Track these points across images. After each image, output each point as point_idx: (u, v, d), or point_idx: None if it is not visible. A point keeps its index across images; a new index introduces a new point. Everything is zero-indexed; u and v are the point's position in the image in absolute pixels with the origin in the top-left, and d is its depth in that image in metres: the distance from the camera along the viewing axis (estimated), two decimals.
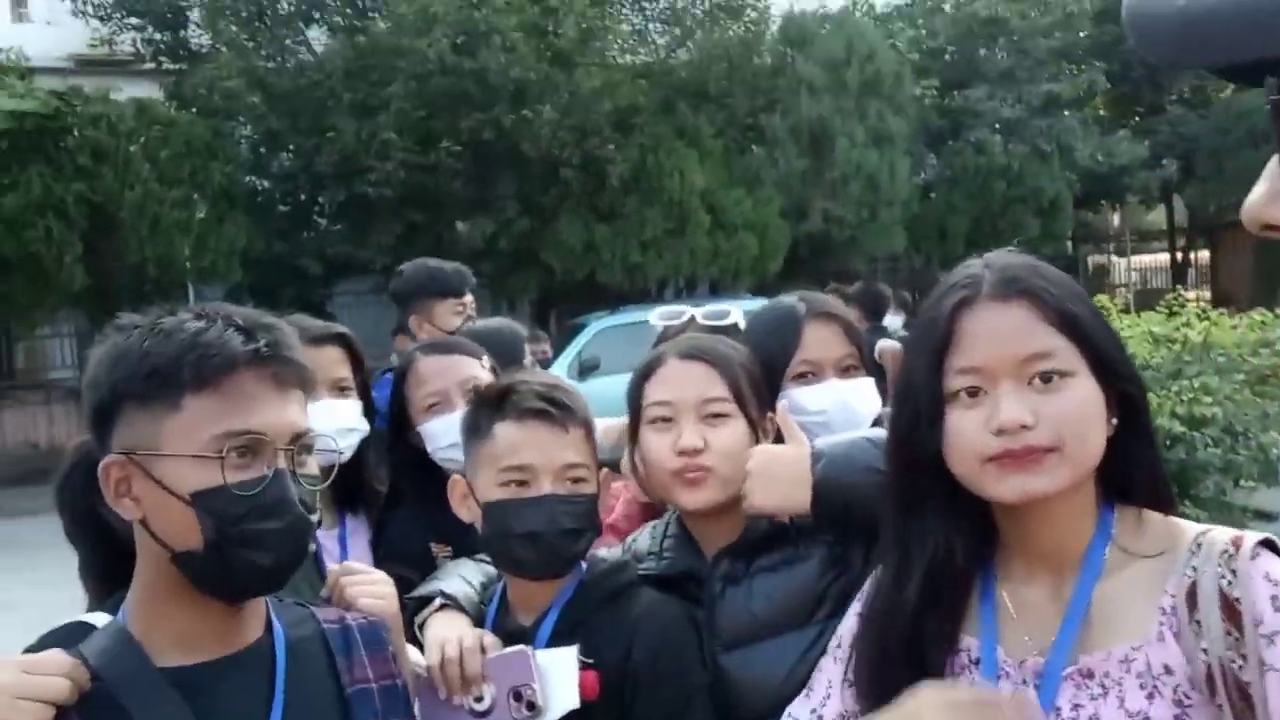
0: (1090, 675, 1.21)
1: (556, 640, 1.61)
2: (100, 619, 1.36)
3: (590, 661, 1.56)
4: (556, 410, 1.63)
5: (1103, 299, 6.90)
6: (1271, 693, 1.08)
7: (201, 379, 1.21)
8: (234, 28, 14.08)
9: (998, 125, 16.99)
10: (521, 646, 1.55)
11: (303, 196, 15.12)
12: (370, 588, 1.50)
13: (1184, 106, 19.62)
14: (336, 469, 1.45)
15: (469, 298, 3.77)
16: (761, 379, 1.77)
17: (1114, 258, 25.13)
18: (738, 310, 2.13)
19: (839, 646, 1.41)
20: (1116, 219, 24.35)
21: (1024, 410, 1.20)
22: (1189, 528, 1.23)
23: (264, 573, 1.24)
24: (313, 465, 1.29)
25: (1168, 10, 0.62)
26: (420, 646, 1.61)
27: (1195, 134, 18.86)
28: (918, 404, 1.26)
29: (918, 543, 1.29)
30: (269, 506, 1.21)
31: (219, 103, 13.89)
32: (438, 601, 1.68)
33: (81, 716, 1.20)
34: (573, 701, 1.52)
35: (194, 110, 13.99)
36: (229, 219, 13.67)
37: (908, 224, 16.39)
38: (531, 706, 1.51)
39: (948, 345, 1.24)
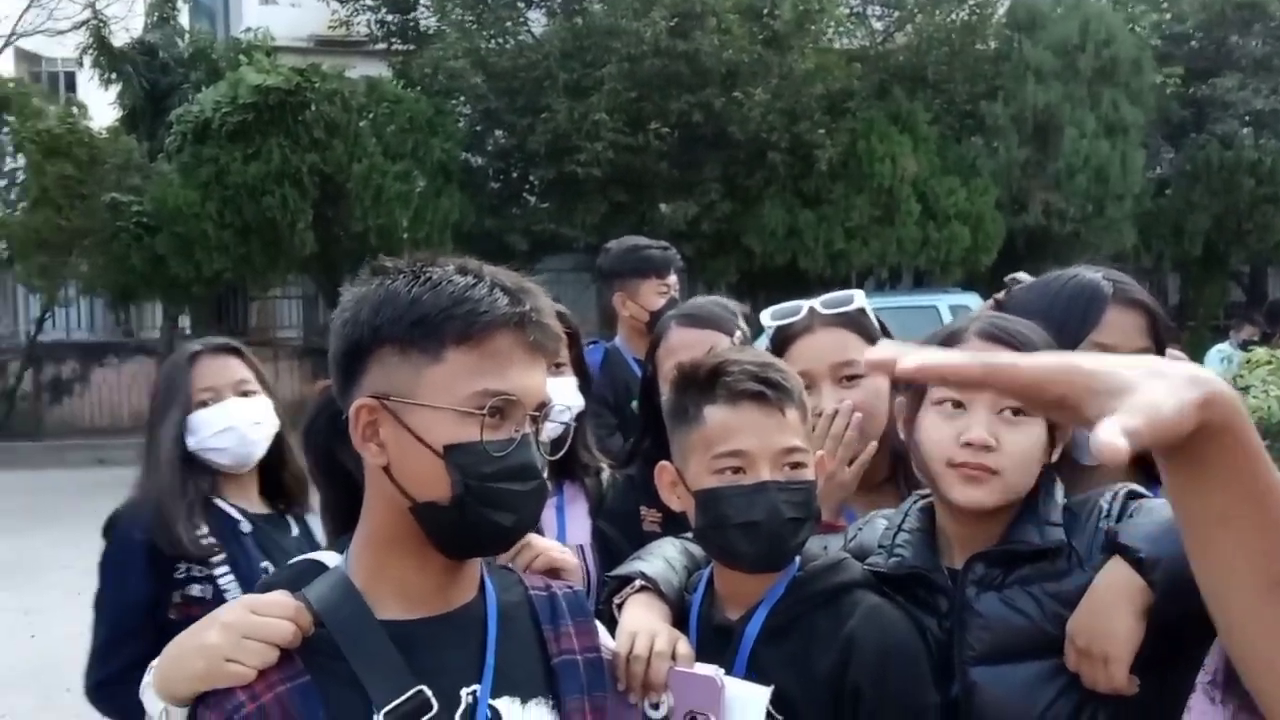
0: None
1: (765, 640, 1.49)
2: (332, 558, 1.38)
3: (778, 717, 1.42)
4: (771, 391, 1.50)
5: None
6: None
7: (466, 334, 1.19)
8: (459, 10, 14.61)
9: (1248, 117, 15.59)
10: (714, 672, 1.42)
11: (514, 174, 15.57)
12: (552, 551, 1.46)
13: None
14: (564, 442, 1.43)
15: (673, 279, 3.74)
16: None
17: None
18: (861, 295, 1.94)
19: (1213, 683, 1.21)
20: None
21: None
22: None
23: (502, 532, 1.23)
24: (547, 431, 1.27)
25: None
26: (613, 625, 1.52)
27: None
28: None
29: None
30: (516, 468, 1.21)
31: (443, 82, 14.48)
32: (638, 583, 1.59)
33: (303, 660, 1.20)
34: None
35: (419, 89, 14.62)
36: (445, 193, 14.23)
37: (1139, 220, 15.29)
38: None
39: None
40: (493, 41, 14.69)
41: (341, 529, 1.50)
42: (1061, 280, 1.80)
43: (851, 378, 1.88)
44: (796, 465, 1.50)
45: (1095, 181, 14.45)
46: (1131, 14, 15.89)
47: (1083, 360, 0.84)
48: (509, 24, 14.68)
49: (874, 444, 1.83)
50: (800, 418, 1.53)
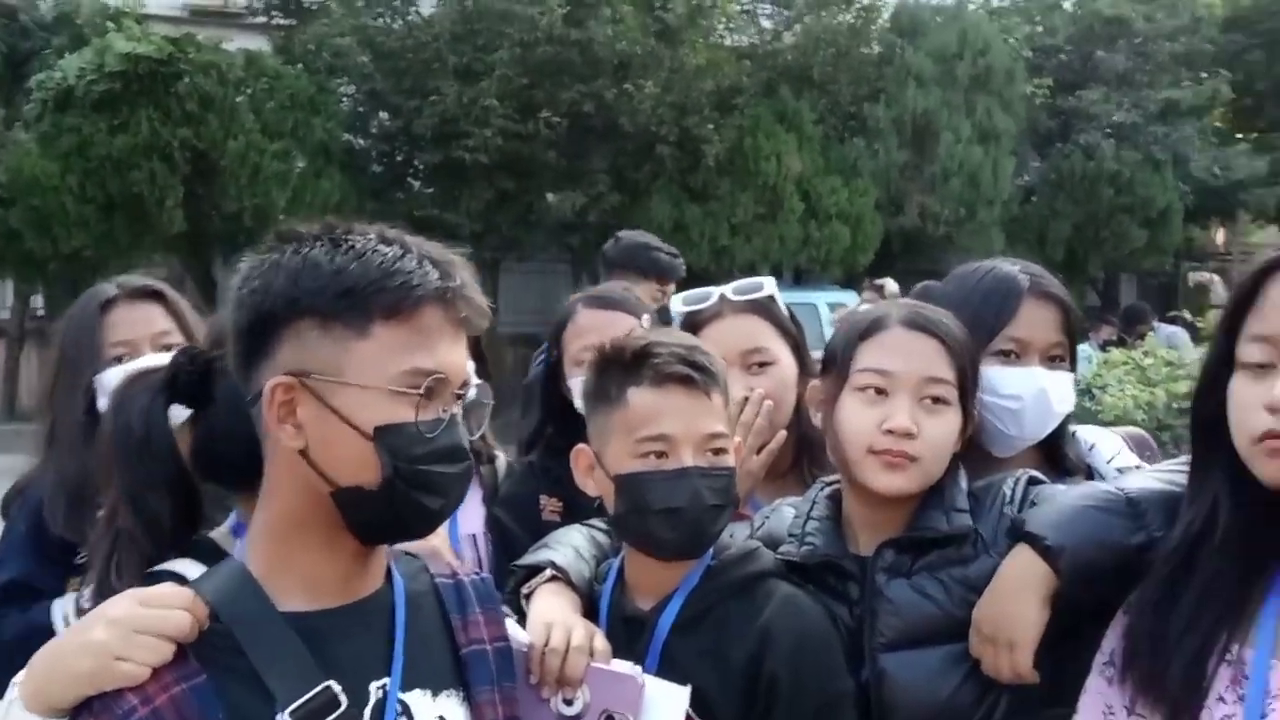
0: None
1: (678, 630, 1.47)
2: (191, 568, 1.26)
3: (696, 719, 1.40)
4: (698, 375, 1.48)
5: (1203, 320, 6.60)
6: None
7: (396, 308, 1.12)
8: None
9: (1110, 130, 16.38)
10: (634, 671, 1.39)
11: (399, 157, 15.21)
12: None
13: None
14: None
15: (671, 287, 3.71)
16: (976, 361, 1.59)
17: (1215, 277, 24.19)
18: (771, 281, 1.96)
19: (1103, 655, 1.27)
20: (1221, 236, 23.43)
21: None
22: None
23: (429, 516, 1.17)
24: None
25: None
26: (522, 616, 1.48)
27: None
28: (1208, 363, 1.18)
29: (1187, 504, 1.20)
30: (446, 450, 1.14)
31: (326, 59, 14.02)
32: (548, 573, 1.55)
33: (198, 659, 1.10)
34: None
35: (300, 65, 14.12)
36: (325, 174, 13.79)
37: (1007, 226, 15.92)
38: None
39: (1248, 308, 1.14)
40: (380, 20, 14.29)
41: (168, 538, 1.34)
42: (980, 272, 1.81)
43: (761, 365, 1.90)
44: (719, 451, 1.49)
45: (968, 186, 14.97)
46: (1006, 25, 16.51)
47: None
48: (398, 2, 14.30)
49: (782, 433, 1.84)
50: (723, 403, 1.52)
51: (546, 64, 13.32)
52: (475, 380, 1.22)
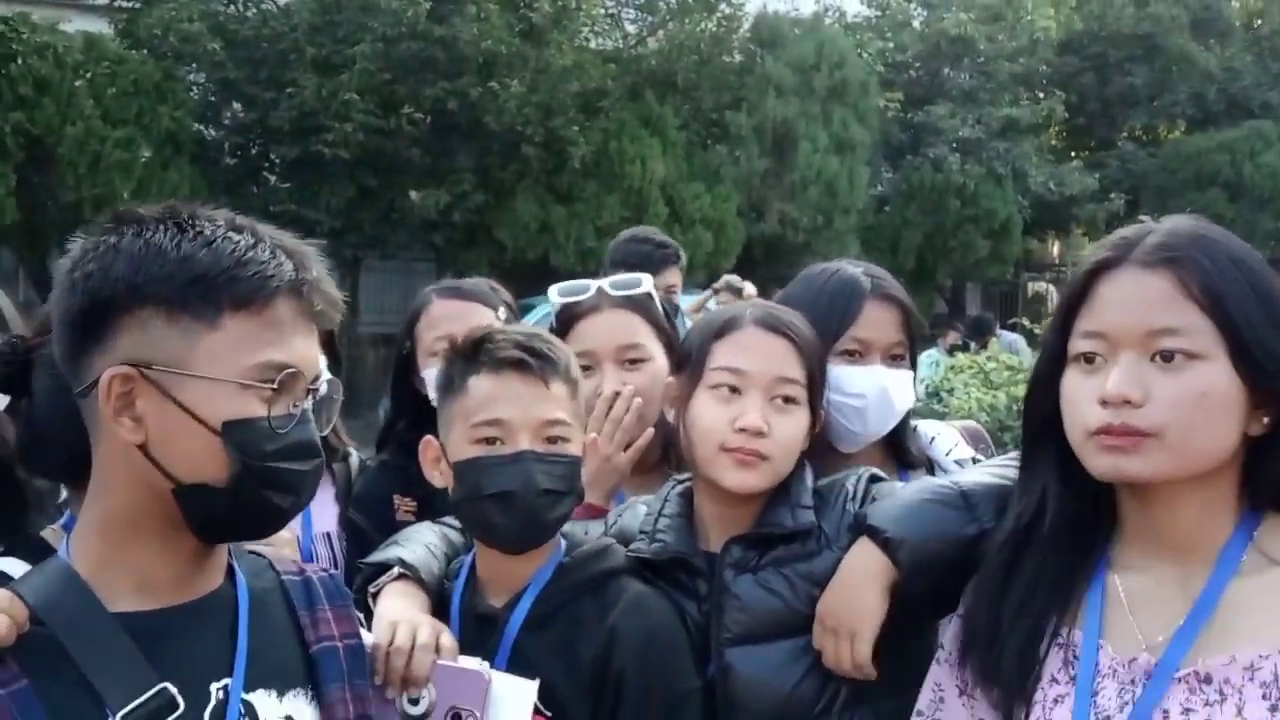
0: (1208, 680, 1.13)
1: (529, 627, 1.48)
2: (15, 566, 1.19)
3: (547, 714, 1.42)
4: (535, 361, 1.49)
5: (1040, 328, 6.98)
6: None
7: (248, 300, 1.07)
8: None
9: (956, 144, 17.16)
10: (480, 666, 1.38)
11: (254, 150, 14.67)
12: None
13: (1135, 144, 20.07)
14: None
15: (669, 276, 3.62)
16: (824, 361, 1.65)
17: (1051, 287, 25.66)
18: (648, 279, 1.99)
19: (944, 650, 1.32)
20: (1057, 249, 24.86)
21: (1133, 386, 1.12)
22: None
23: (278, 515, 1.13)
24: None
25: None
26: (369, 615, 1.46)
27: (1144, 171, 19.29)
28: (1043, 361, 1.22)
29: (1018, 496, 1.26)
30: (297, 446, 1.11)
31: (173, 45, 13.36)
32: (396, 571, 1.53)
33: (19, 664, 1.04)
34: None
35: (145, 50, 13.45)
36: (173, 165, 13.16)
37: (861, 234, 16.47)
38: None
39: (1079, 306, 1.17)
40: (232, 6, 13.77)
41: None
42: (825, 274, 1.88)
43: (635, 361, 1.91)
44: (558, 439, 1.49)
45: (826, 195, 15.43)
46: (860, 40, 17.11)
47: None
48: None
49: (650, 430, 1.86)
50: (568, 393, 1.53)
51: (410, 59, 13.09)
52: (326, 375, 1.19)
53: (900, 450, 1.87)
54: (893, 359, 1.80)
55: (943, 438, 1.94)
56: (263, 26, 13.46)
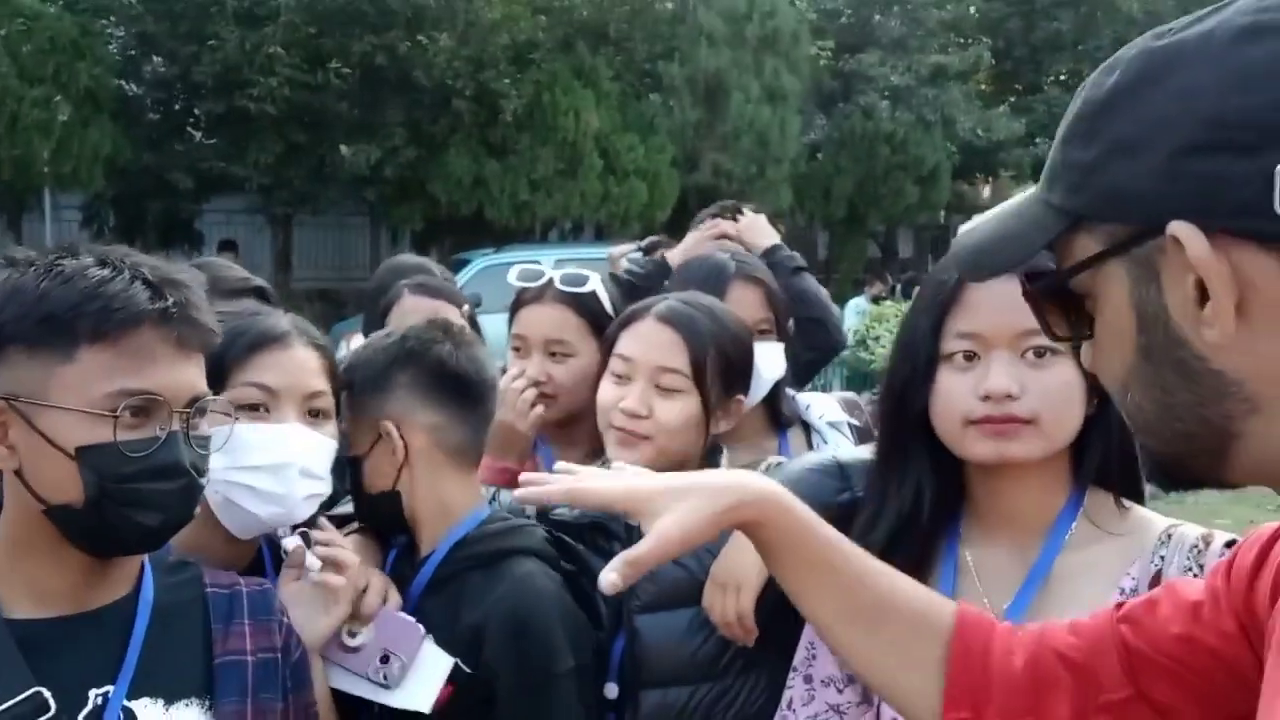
0: None
1: (429, 591, 1.59)
2: None
3: (455, 680, 1.53)
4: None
5: None
6: None
7: (100, 332, 1.16)
8: None
9: (886, 92, 17.33)
10: (419, 626, 1.54)
11: (177, 106, 14.38)
12: (331, 553, 1.48)
13: (1061, 88, 20.39)
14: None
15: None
16: (738, 360, 1.78)
17: None
18: (596, 278, 2.12)
19: None
20: (988, 192, 25.29)
21: (1012, 381, 1.28)
22: (1157, 518, 1.33)
23: (147, 532, 1.22)
24: (204, 427, 1.26)
25: (960, 244, 0.83)
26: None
27: None
28: (915, 361, 1.34)
29: (894, 492, 1.38)
30: (159, 468, 1.19)
31: None
32: (294, 538, 1.63)
33: None
34: (424, 704, 1.49)
35: (61, 5, 13.03)
36: (94, 124, 12.86)
37: (794, 183, 16.64)
38: (388, 677, 1.49)
39: (950, 309, 1.32)
40: None
41: None
42: (699, 261, 2.13)
43: (560, 355, 2.05)
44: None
45: (758, 145, 15.52)
46: None
47: (641, 484, 1.06)
48: None
49: (540, 409, 2.00)
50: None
51: (336, 13, 12.87)
52: (211, 395, 1.26)
53: (775, 413, 2.10)
54: (760, 333, 1.98)
55: (817, 404, 2.18)
56: None
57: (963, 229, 0.85)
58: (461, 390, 1.62)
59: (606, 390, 1.73)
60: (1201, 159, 0.67)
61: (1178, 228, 0.67)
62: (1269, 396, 0.68)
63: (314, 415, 1.51)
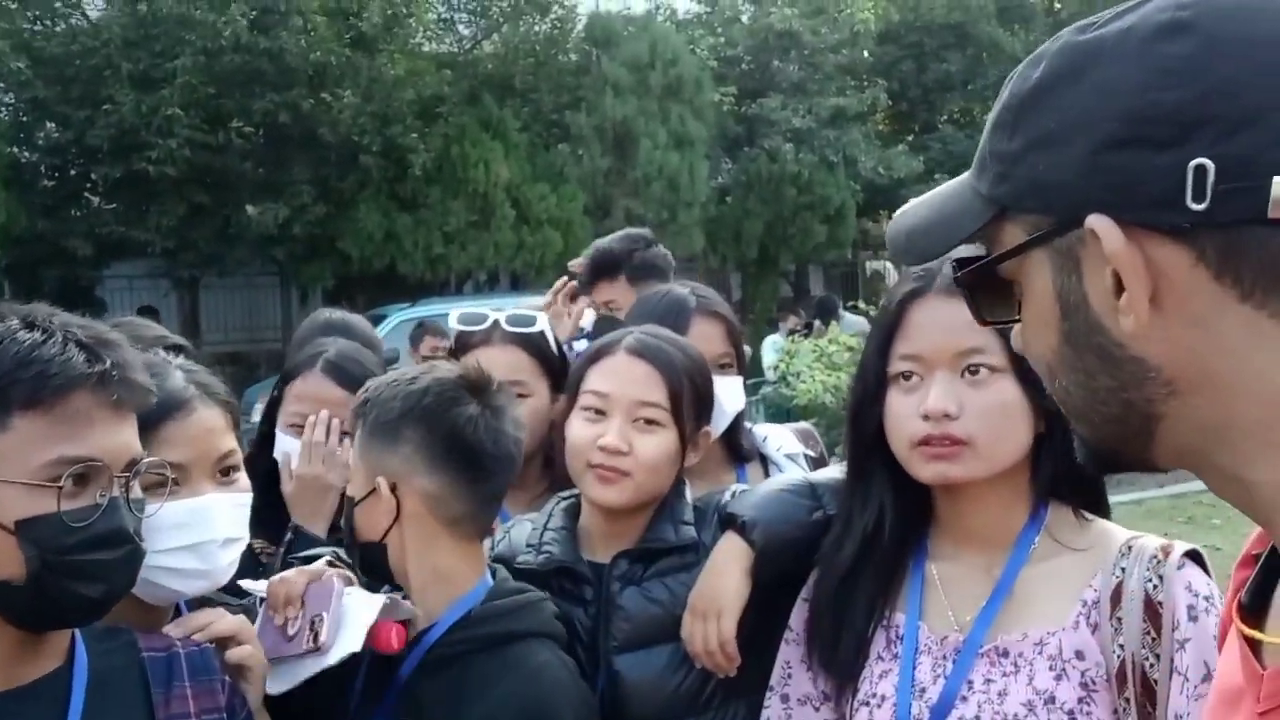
0: (1005, 654, 1.31)
1: (424, 671, 1.51)
2: None
3: (406, 619, 1.48)
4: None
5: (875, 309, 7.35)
6: (1172, 693, 1.20)
7: (35, 398, 1.10)
8: None
9: (789, 134, 17.73)
10: (335, 580, 1.50)
11: (72, 171, 13.95)
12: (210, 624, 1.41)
13: (954, 126, 21.14)
14: None
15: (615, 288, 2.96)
16: (705, 392, 1.76)
17: (888, 264, 26.78)
18: (544, 318, 2.12)
19: (792, 631, 1.47)
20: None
21: (950, 400, 1.29)
22: (1119, 531, 1.35)
23: (90, 604, 1.16)
24: (138, 490, 1.21)
25: (894, 227, 0.84)
26: None
27: (963, 152, 20.29)
28: (865, 383, 1.37)
29: (859, 508, 1.39)
30: (102, 536, 1.13)
31: None
32: (328, 556, 1.62)
33: None
34: (354, 646, 1.45)
35: None
36: None
37: (706, 226, 16.86)
38: (318, 640, 1.45)
39: (895, 331, 1.33)
40: (39, 24, 13.03)
41: None
42: (658, 296, 2.11)
43: (519, 395, 2.00)
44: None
45: (668, 190, 15.71)
46: (692, 36, 17.45)
47: None
48: (58, 3, 13.09)
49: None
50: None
51: (235, 73, 12.67)
52: (149, 457, 1.21)
53: (734, 446, 2.08)
54: (721, 368, 1.98)
55: (773, 436, 2.17)
56: (71, 43, 12.79)
57: (898, 213, 0.86)
58: (472, 462, 1.54)
59: (580, 428, 1.67)
60: (1119, 153, 0.68)
61: (1095, 221, 0.68)
62: (1185, 380, 0.70)
63: (225, 474, 1.44)
